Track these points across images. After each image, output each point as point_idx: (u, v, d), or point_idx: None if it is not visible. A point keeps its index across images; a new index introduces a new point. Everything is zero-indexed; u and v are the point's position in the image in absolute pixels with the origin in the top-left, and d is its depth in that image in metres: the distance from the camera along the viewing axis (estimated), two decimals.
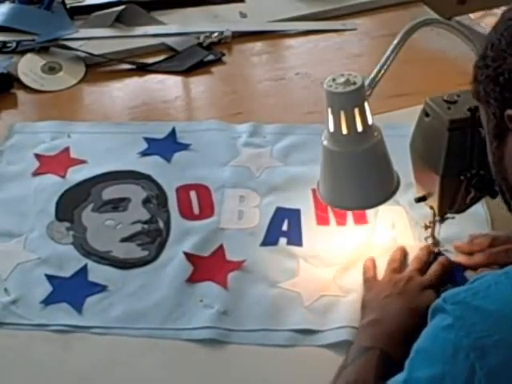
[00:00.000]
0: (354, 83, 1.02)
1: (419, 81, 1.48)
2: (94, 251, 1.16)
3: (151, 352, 1.02)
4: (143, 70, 1.63)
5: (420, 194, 1.08)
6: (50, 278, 1.11)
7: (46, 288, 1.10)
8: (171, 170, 1.32)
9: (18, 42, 1.67)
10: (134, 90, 1.60)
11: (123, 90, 1.60)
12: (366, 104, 1.04)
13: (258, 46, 1.73)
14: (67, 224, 1.21)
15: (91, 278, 1.11)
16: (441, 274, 1.06)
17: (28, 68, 1.62)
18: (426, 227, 1.13)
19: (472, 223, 1.15)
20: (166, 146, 1.37)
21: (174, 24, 1.77)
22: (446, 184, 1.01)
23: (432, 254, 1.10)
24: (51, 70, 1.62)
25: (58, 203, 1.24)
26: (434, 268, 1.07)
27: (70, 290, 1.09)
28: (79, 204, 1.24)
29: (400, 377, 0.71)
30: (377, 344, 0.91)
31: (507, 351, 0.64)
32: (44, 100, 1.57)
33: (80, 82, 1.61)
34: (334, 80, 1.03)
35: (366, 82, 1.04)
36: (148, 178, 1.29)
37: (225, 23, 1.77)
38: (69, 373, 1.00)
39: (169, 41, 1.70)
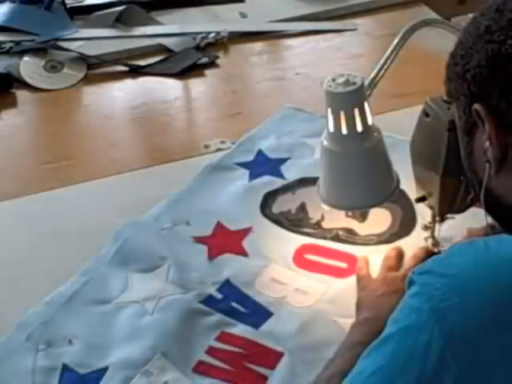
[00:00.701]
0: (354, 83, 1.02)
1: (419, 81, 1.48)
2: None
3: None
4: (136, 72, 1.63)
5: (420, 194, 1.08)
6: None
7: None
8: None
9: (18, 42, 1.67)
10: (134, 91, 1.60)
11: (123, 90, 1.60)
12: (365, 104, 1.04)
13: (257, 46, 1.73)
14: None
15: None
16: None
17: (30, 67, 1.62)
18: (426, 227, 1.13)
19: (472, 223, 1.14)
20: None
21: (173, 24, 1.77)
22: (446, 184, 1.01)
23: (430, 254, 1.10)
24: (53, 68, 1.62)
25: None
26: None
27: None
28: None
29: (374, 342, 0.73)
30: (367, 339, 0.91)
31: (467, 314, 0.65)
32: (44, 100, 1.57)
33: (81, 81, 1.61)
34: (333, 80, 1.03)
35: (366, 82, 1.04)
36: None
37: (224, 23, 1.77)
38: None
39: (167, 42, 1.71)
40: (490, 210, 0.81)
